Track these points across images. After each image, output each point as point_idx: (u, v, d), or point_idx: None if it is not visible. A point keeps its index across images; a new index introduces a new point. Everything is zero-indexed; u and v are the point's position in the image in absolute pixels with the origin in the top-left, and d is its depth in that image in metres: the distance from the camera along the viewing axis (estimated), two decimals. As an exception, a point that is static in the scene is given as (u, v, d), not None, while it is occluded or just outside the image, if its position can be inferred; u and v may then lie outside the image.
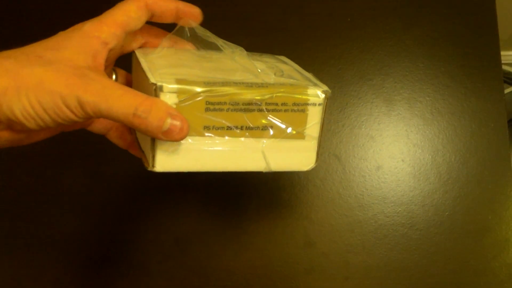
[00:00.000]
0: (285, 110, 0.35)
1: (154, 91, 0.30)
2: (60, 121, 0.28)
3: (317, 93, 0.36)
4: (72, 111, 0.28)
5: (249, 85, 0.33)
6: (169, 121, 0.29)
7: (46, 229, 0.53)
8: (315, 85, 0.36)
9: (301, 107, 0.35)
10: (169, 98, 0.30)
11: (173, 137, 0.30)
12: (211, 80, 0.32)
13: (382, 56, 0.57)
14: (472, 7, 0.58)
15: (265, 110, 0.33)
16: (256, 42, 0.58)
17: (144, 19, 0.33)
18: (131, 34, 0.34)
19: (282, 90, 0.34)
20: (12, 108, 0.28)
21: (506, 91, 1.12)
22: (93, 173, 0.54)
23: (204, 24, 0.61)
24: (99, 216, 0.53)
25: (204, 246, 0.52)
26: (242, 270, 0.51)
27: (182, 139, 0.30)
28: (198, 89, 0.31)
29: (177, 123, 0.29)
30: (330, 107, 0.56)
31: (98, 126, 0.37)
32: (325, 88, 0.36)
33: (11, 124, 0.29)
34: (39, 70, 0.28)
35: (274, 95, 0.33)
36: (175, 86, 0.31)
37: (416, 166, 0.53)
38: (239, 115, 0.33)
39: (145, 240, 0.52)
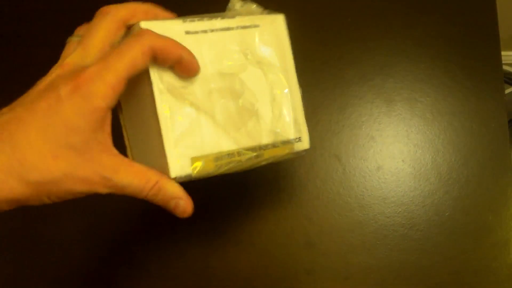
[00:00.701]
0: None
1: (172, 177, 0.35)
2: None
3: (302, 148, 0.41)
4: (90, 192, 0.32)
5: (249, 159, 0.38)
6: (173, 203, 0.34)
7: (46, 229, 0.53)
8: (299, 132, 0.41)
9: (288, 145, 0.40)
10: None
11: (177, 215, 0.35)
12: (219, 154, 0.36)
13: (382, 56, 0.57)
14: (473, 7, 0.58)
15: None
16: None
17: (146, 65, 0.32)
18: None
19: (273, 155, 0.39)
20: (31, 204, 0.30)
21: (507, 91, 1.12)
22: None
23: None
24: (99, 216, 0.53)
25: (204, 246, 0.52)
26: (242, 270, 0.51)
27: (189, 215, 0.35)
28: (210, 170, 0.36)
29: (181, 203, 0.35)
30: (330, 107, 0.56)
31: None
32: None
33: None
34: (58, 175, 0.30)
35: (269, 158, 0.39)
36: (189, 173, 0.35)
37: (416, 166, 0.53)
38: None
39: (145, 241, 0.52)
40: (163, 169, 0.35)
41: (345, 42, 0.58)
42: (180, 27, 0.35)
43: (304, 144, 0.40)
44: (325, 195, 0.52)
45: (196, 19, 0.36)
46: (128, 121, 0.39)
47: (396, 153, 0.54)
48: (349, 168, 0.53)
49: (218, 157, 0.36)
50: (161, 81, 0.34)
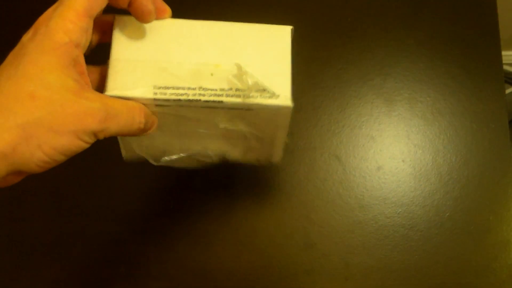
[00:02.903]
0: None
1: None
2: (72, 155, 0.29)
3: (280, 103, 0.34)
4: (86, 142, 0.29)
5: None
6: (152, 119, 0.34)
7: (46, 229, 0.53)
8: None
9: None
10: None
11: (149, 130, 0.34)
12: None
13: (382, 56, 0.57)
14: (473, 7, 0.58)
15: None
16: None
17: (105, 3, 0.31)
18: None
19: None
20: (26, 162, 0.27)
21: (507, 91, 1.12)
22: (93, 174, 0.54)
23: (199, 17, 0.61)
24: (98, 216, 0.53)
25: (204, 247, 0.52)
26: (242, 271, 0.51)
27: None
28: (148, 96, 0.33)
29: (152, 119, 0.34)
30: (330, 107, 0.55)
31: None
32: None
33: (20, 173, 0.29)
34: (42, 116, 0.27)
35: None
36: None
37: (416, 166, 0.53)
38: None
39: (145, 241, 0.52)
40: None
41: (345, 42, 0.57)
42: (151, 101, 0.33)
43: (282, 100, 0.34)
44: (325, 195, 0.52)
45: (172, 98, 0.33)
46: None
47: (396, 153, 0.54)
48: (349, 168, 0.53)
49: (159, 86, 0.33)
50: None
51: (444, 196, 0.52)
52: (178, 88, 0.33)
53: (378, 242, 0.51)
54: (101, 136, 0.30)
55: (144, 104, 0.33)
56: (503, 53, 0.57)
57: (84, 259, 0.52)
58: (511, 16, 0.91)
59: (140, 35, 0.34)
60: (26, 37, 0.29)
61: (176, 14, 0.36)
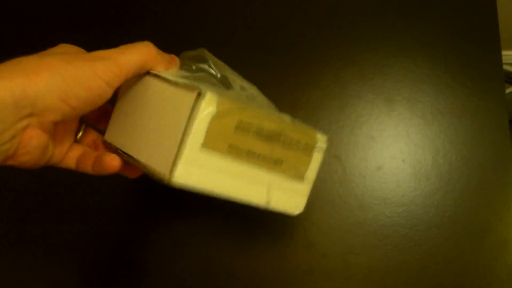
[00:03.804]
0: (297, 149, 0.37)
1: (198, 95, 0.31)
2: (94, 97, 0.31)
3: (324, 139, 0.39)
4: (106, 81, 0.31)
5: (276, 117, 0.36)
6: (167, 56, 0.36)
7: (46, 230, 0.53)
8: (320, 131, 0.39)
9: (309, 150, 0.38)
10: (208, 105, 0.31)
11: (174, 64, 0.36)
12: (244, 102, 0.34)
13: (382, 56, 0.57)
14: (473, 7, 0.58)
15: (282, 142, 0.36)
16: (256, 42, 0.58)
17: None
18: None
19: (299, 128, 0.37)
20: (49, 90, 0.29)
21: (507, 91, 1.12)
22: (92, 174, 0.54)
23: (204, 24, 0.62)
24: (99, 217, 0.53)
25: (204, 247, 0.52)
26: (242, 271, 0.51)
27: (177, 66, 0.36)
28: (237, 105, 0.33)
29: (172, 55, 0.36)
30: (330, 107, 0.55)
31: (67, 162, 0.38)
32: (327, 136, 0.40)
33: (43, 115, 0.30)
34: (62, 55, 0.30)
35: (293, 131, 0.36)
36: (216, 96, 0.31)
37: (417, 166, 0.53)
38: (261, 142, 0.35)
39: (145, 241, 0.52)
40: (183, 111, 0.32)
41: (345, 42, 0.57)
42: (236, 116, 0.33)
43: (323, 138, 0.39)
44: (325, 195, 0.52)
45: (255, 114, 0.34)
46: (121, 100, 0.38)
47: (396, 153, 0.54)
48: (349, 168, 0.53)
49: (244, 102, 0.35)
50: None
51: (444, 196, 0.52)
52: None
53: (378, 242, 0.51)
54: (121, 73, 0.32)
55: None
56: (503, 53, 0.57)
57: (84, 259, 0.52)
58: (511, 16, 0.91)
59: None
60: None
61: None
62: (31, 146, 0.31)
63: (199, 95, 0.31)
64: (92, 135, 0.40)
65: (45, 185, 0.53)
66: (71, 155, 0.37)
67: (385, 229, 0.51)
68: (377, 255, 0.51)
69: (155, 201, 0.54)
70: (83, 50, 0.34)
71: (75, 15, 0.60)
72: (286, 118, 0.37)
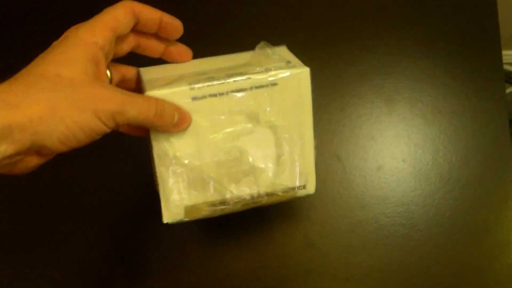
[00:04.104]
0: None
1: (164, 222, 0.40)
2: (92, 137, 0.31)
3: (304, 194, 0.41)
4: (105, 124, 0.31)
5: (244, 205, 0.39)
6: (177, 115, 0.35)
7: (46, 229, 0.53)
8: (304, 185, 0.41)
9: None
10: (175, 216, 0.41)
11: (182, 128, 0.35)
12: (212, 203, 0.39)
13: (382, 56, 0.57)
14: (473, 7, 0.58)
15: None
16: (256, 42, 0.58)
17: (131, 24, 0.35)
18: (120, 38, 0.36)
19: (272, 201, 0.41)
20: (49, 134, 0.29)
21: (508, 90, 1.12)
22: (93, 174, 0.54)
23: (205, 23, 0.61)
24: (99, 217, 0.53)
25: (204, 247, 0.52)
26: (242, 271, 0.51)
27: (188, 126, 0.36)
28: (203, 214, 0.40)
29: (184, 114, 0.35)
30: (330, 107, 0.55)
31: None
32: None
33: (40, 150, 0.30)
34: (66, 92, 0.30)
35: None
36: (182, 219, 0.41)
37: (417, 166, 0.53)
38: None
39: (145, 241, 0.52)
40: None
41: (345, 42, 0.57)
42: (187, 94, 0.35)
43: (308, 190, 0.41)
44: (325, 195, 0.52)
45: (206, 84, 0.35)
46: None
47: (396, 153, 0.54)
48: (349, 168, 0.53)
49: (211, 204, 0.39)
50: (161, 147, 0.36)
51: (444, 196, 0.52)
52: (210, 79, 0.36)
53: (378, 242, 0.51)
54: (120, 120, 0.31)
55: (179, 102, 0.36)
56: (503, 52, 0.57)
57: (84, 259, 0.52)
58: (511, 16, 0.91)
59: (166, 68, 0.39)
60: (56, 41, 0.33)
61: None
62: (29, 167, 0.32)
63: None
64: (119, 70, 0.39)
65: (45, 185, 0.53)
66: None
67: (385, 229, 0.51)
68: (377, 254, 0.51)
69: (155, 201, 0.54)
70: (89, 48, 0.32)
71: (75, 14, 0.60)
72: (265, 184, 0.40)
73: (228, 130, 0.37)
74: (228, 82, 0.35)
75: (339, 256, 0.51)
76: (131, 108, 0.31)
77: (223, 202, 0.39)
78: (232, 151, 0.37)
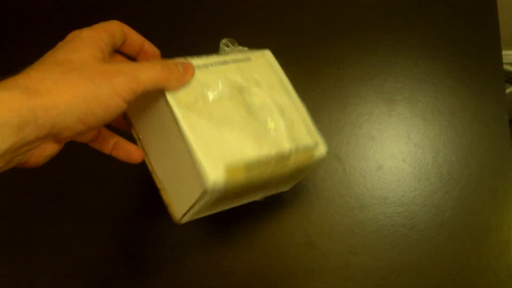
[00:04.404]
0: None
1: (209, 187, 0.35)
2: (110, 115, 0.32)
3: (320, 153, 0.42)
4: (122, 97, 0.31)
5: (276, 164, 0.39)
6: (180, 67, 0.36)
7: (46, 229, 0.53)
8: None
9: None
10: (216, 188, 0.36)
11: (190, 73, 0.37)
12: (248, 162, 0.37)
13: (382, 55, 0.57)
14: (473, 7, 0.58)
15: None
16: (256, 41, 0.58)
17: (122, 40, 0.37)
18: (111, 55, 0.37)
19: (298, 161, 0.40)
20: (71, 113, 0.30)
21: (508, 90, 1.12)
22: (93, 174, 0.54)
23: (205, 22, 0.61)
24: (98, 217, 0.53)
25: (204, 247, 0.52)
26: (242, 271, 0.51)
27: (194, 72, 0.37)
28: (241, 178, 0.37)
29: (185, 63, 0.37)
30: (330, 107, 0.55)
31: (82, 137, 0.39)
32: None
33: (60, 133, 0.31)
34: (80, 72, 0.31)
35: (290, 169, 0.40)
36: (224, 181, 0.36)
37: (417, 166, 0.53)
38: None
39: (145, 242, 0.52)
40: (195, 183, 0.36)
41: (345, 42, 0.57)
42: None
43: (321, 149, 0.41)
44: (325, 195, 0.52)
45: (194, 57, 0.39)
46: (155, 162, 0.41)
47: (396, 152, 0.54)
48: (349, 168, 0.53)
49: (247, 164, 0.37)
50: (178, 102, 0.36)
51: (444, 196, 0.52)
52: (197, 57, 0.39)
53: (378, 242, 0.51)
54: (135, 88, 0.32)
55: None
56: (503, 52, 0.58)
57: (84, 259, 0.52)
58: (511, 16, 0.91)
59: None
60: (61, 42, 0.34)
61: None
62: (44, 156, 0.33)
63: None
64: None
65: (45, 185, 0.53)
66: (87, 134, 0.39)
67: (385, 229, 0.51)
68: (377, 255, 0.51)
69: (155, 201, 0.54)
70: (96, 43, 0.34)
71: (74, 12, 0.60)
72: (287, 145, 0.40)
73: (234, 86, 0.39)
74: (213, 57, 0.40)
75: (339, 256, 0.51)
76: (142, 73, 0.33)
77: (257, 161, 0.37)
78: (240, 109, 0.39)
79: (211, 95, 0.38)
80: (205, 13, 0.61)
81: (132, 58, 0.40)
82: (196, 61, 0.38)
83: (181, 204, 0.39)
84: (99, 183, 0.54)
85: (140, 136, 0.41)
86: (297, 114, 0.41)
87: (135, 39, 0.38)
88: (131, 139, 0.41)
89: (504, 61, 0.58)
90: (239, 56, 0.42)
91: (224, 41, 0.45)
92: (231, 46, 0.44)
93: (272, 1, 0.60)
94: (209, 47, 0.45)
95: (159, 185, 0.41)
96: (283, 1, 0.60)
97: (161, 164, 0.40)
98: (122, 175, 0.54)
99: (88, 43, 0.33)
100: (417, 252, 0.51)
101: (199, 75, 0.38)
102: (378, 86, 0.56)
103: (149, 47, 0.39)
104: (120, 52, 0.39)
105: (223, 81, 0.39)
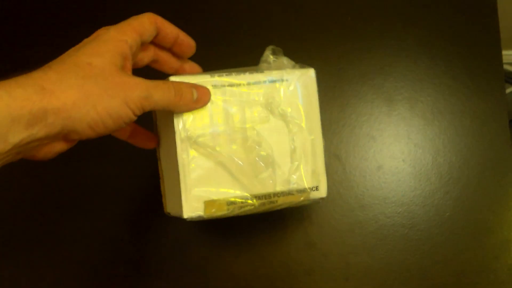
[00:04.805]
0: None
1: (184, 218, 0.38)
2: (119, 125, 0.33)
3: (318, 197, 0.42)
4: (132, 111, 0.32)
5: (261, 204, 0.40)
6: (195, 92, 0.37)
7: (46, 229, 0.53)
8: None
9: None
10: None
11: (203, 101, 0.37)
12: (231, 200, 0.39)
13: (382, 55, 0.57)
14: (474, 6, 0.58)
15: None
16: (256, 41, 0.58)
17: (153, 34, 0.37)
18: (143, 47, 0.38)
19: (287, 202, 0.41)
20: (80, 119, 0.31)
21: (508, 90, 1.12)
22: (92, 174, 0.54)
23: (205, 22, 0.61)
24: (98, 217, 0.53)
25: (204, 247, 0.52)
26: (242, 271, 0.51)
27: (209, 100, 0.38)
28: (222, 213, 0.39)
29: (202, 89, 0.37)
30: (330, 107, 0.55)
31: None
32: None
33: (69, 135, 0.32)
34: (97, 80, 0.31)
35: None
36: (201, 214, 0.38)
37: (417, 166, 0.53)
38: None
39: (145, 241, 0.52)
40: (179, 207, 0.38)
41: (345, 42, 0.57)
42: (207, 81, 0.38)
43: (321, 192, 0.41)
44: (325, 195, 0.52)
45: (224, 74, 0.39)
46: (162, 156, 0.42)
47: (396, 152, 0.54)
48: (349, 168, 0.53)
49: (230, 202, 0.39)
50: (183, 130, 0.38)
51: (444, 196, 0.52)
52: (229, 72, 0.40)
53: (378, 242, 0.51)
54: (146, 105, 0.33)
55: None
56: (503, 52, 0.57)
57: (84, 259, 0.52)
58: (511, 16, 0.91)
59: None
60: (87, 38, 0.35)
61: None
62: (52, 152, 0.33)
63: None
64: None
65: (45, 185, 0.53)
66: None
67: (385, 229, 0.51)
68: (377, 255, 0.51)
69: (155, 201, 0.54)
70: (118, 46, 0.34)
71: (76, 12, 0.60)
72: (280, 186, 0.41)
73: (246, 115, 0.40)
74: (245, 75, 0.40)
75: (339, 256, 0.51)
76: (155, 92, 0.33)
77: (242, 198, 0.39)
78: (250, 137, 0.39)
79: (219, 127, 0.39)
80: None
81: (167, 49, 0.40)
82: (223, 79, 0.39)
83: (171, 203, 0.41)
84: (99, 183, 0.54)
85: (158, 123, 0.42)
86: (309, 153, 0.41)
87: (169, 32, 0.38)
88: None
89: (504, 61, 0.58)
90: (274, 75, 0.40)
91: (270, 49, 0.43)
92: (276, 55, 0.43)
93: (271, 1, 0.60)
94: (258, 52, 0.43)
95: (160, 173, 0.43)
96: (283, 1, 0.60)
97: (165, 159, 0.42)
98: (122, 175, 0.54)
99: (112, 47, 0.33)
100: (417, 252, 0.51)
101: (218, 96, 0.39)
102: (378, 86, 0.56)
103: (184, 38, 0.39)
104: (155, 43, 0.39)
105: (240, 109, 0.39)
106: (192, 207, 0.38)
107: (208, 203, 0.39)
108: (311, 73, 0.42)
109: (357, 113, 0.55)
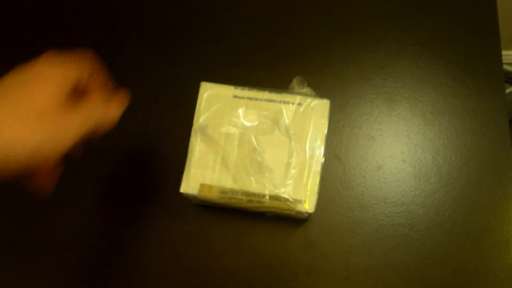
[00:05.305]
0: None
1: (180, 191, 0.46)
2: (63, 151, 0.35)
3: (302, 210, 0.46)
4: (73, 139, 0.35)
5: (249, 201, 0.46)
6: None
7: (46, 230, 0.53)
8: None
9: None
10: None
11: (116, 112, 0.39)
12: (224, 189, 0.46)
13: (382, 55, 0.57)
14: (473, 7, 0.58)
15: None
16: (256, 42, 0.58)
17: (90, 74, 0.39)
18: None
19: (274, 207, 0.46)
20: (23, 151, 0.34)
21: (507, 90, 1.12)
22: (92, 174, 0.54)
23: (205, 23, 0.61)
24: (98, 217, 0.53)
25: (204, 246, 0.52)
26: (242, 270, 0.51)
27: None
28: (213, 197, 0.46)
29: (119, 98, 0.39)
30: (331, 107, 0.55)
31: None
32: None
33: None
34: (43, 118, 0.33)
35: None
36: (195, 193, 0.46)
37: (417, 166, 0.53)
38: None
39: (145, 241, 0.52)
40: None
41: (345, 42, 0.57)
42: (230, 91, 0.48)
43: (307, 207, 0.45)
44: (325, 195, 0.52)
45: (246, 88, 0.48)
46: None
47: (396, 152, 0.54)
48: (349, 168, 0.53)
49: (222, 190, 0.46)
50: (198, 123, 0.47)
51: (444, 196, 0.52)
52: (252, 88, 0.49)
53: (378, 242, 0.51)
54: (87, 132, 0.36)
55: None
56: (503, 52, 0.57)
57: (84, 259, 0.52)
58: (511, 16, 0.91)
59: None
60: (29, 72, 0.36)
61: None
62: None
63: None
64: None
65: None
66: None
67: (385, 229, 0.51)
68: (377, 254, 0.51)
69: (155, 201, 0.54)
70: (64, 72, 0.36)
71: (76, 14, 0.60)
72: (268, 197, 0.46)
73: (255, 124, 0.47)
74: (264, 93, 0.48)
75: (339, 256, 0.51)
76: (88, 121, 0.36)
77: (233, 192, 0.45)
78: (252, 142, 0.46)
79: (230, 128, 0.47)
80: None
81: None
82: (242, 92, 0.47)
83: (184, 177, 0.47)
84: (99, 183, 0.54)
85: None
86: (305, 171, 0.46)
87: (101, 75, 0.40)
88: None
89: (504, 61, 0.58)
90: (289, 97, 0.47)
91: (297, 78, 0.50)
92: (301, 85, 0.49)
93: (272, 1, 0.60)
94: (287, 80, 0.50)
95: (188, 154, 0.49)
96: (284, 2, 0.60)
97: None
98: (121, 175, 0.54)
99: (52, 82, 0.35)
100: (417, 251, 0.51)
101: (242, 104, 0.47)
102: (378, 86, 0.56)
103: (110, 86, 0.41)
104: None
105: (252, 118, 0.47)
106: (189, 185, 0.46)
107: (204, 186, 0.46)
108: (325, 103, 0.48)
109: (357, 113, 0.55)
